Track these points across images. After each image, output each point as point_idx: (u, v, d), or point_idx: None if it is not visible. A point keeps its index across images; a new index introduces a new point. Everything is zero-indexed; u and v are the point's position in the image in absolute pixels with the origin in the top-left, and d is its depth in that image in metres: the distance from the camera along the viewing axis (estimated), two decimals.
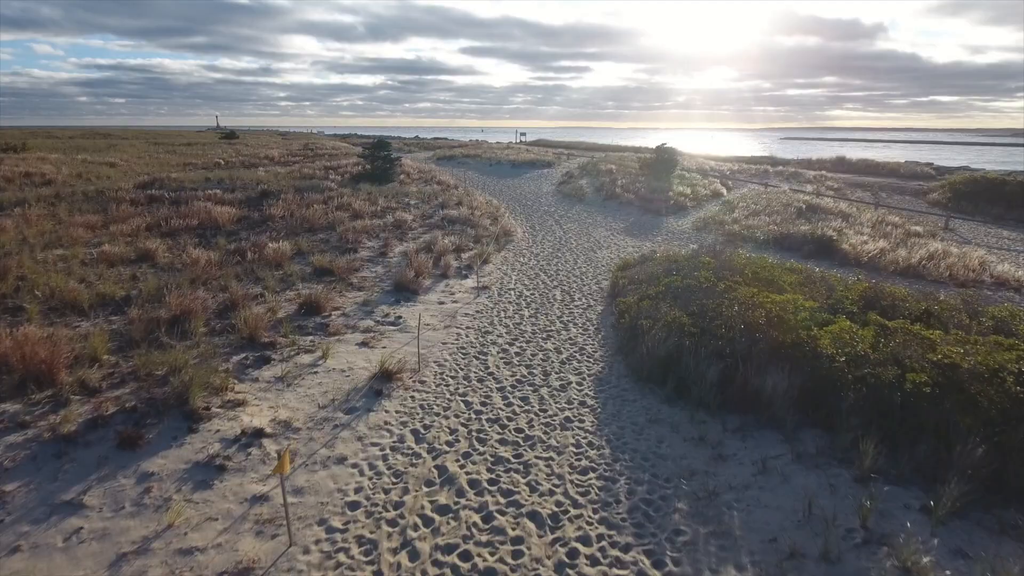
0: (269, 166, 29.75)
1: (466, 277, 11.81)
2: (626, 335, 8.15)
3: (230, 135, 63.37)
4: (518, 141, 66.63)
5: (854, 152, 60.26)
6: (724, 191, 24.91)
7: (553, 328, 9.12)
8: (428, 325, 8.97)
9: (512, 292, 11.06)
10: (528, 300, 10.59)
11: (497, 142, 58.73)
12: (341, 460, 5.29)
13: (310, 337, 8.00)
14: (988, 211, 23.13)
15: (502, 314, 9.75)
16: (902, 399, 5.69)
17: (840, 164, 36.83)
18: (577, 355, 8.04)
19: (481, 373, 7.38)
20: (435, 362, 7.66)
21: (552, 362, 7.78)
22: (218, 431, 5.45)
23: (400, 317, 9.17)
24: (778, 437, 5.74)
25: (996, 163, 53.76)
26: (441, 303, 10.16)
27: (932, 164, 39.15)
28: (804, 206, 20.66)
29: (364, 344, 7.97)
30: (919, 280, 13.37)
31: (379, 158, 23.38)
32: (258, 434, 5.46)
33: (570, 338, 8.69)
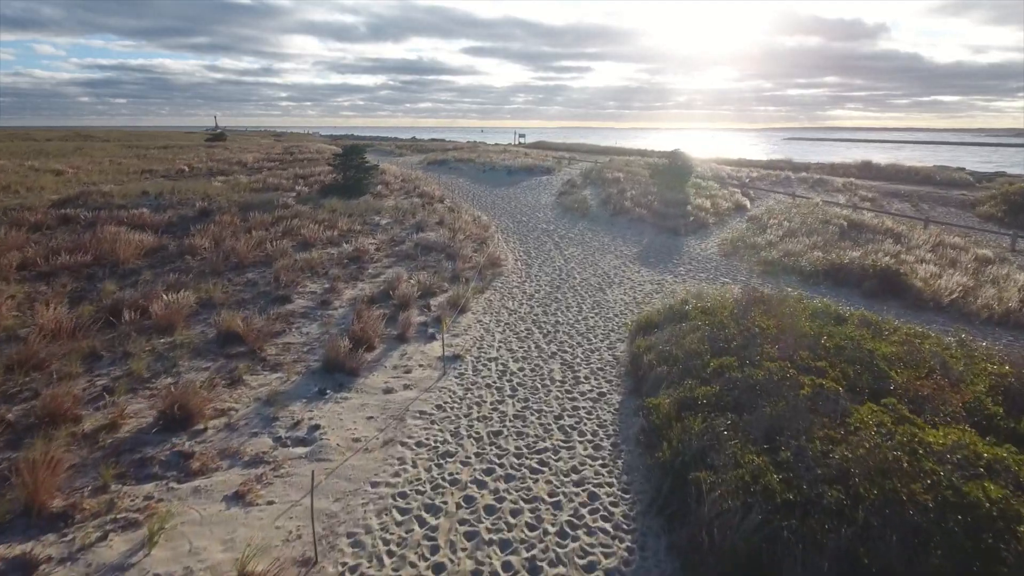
0: (238, 173, 26.62)
1: (433, 338, 8.72)
2: (666, 477, 5.05)
3: (218, 136, 60.08)
4: (516, 143, 63.43)
5: (863, 153, 57.04)
6: (747, 203, 21.77)
7: (549, 444, 6.01)
8: (357, 442, 5.87)
9: (493, 365, 7.96)
10: (515, 381, 7.48)
11: (496, 144, 55.59)
12: None
13: (148, 486, 4.90)
14: None
15: (473, 412, 6.65)
16: None
17: (867, 169, 33.59)
18: (587, 512, 4.93)
19: (422, 570, 4.28)
20: (348, 537, 4.56)
21: (545, 532, 4.68)
22: None
23: (317, 427, 6.06)
24: None
25: (1019, 165, 50.57)
26: (388, 391, 7.05)
27: (965, 169, 35.94)
28: (846, 223, 17.57)
29: (238, 497, 4.87)
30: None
31: (351, 167, 20.23)
32: None
33: (574, 469, 5.57)
